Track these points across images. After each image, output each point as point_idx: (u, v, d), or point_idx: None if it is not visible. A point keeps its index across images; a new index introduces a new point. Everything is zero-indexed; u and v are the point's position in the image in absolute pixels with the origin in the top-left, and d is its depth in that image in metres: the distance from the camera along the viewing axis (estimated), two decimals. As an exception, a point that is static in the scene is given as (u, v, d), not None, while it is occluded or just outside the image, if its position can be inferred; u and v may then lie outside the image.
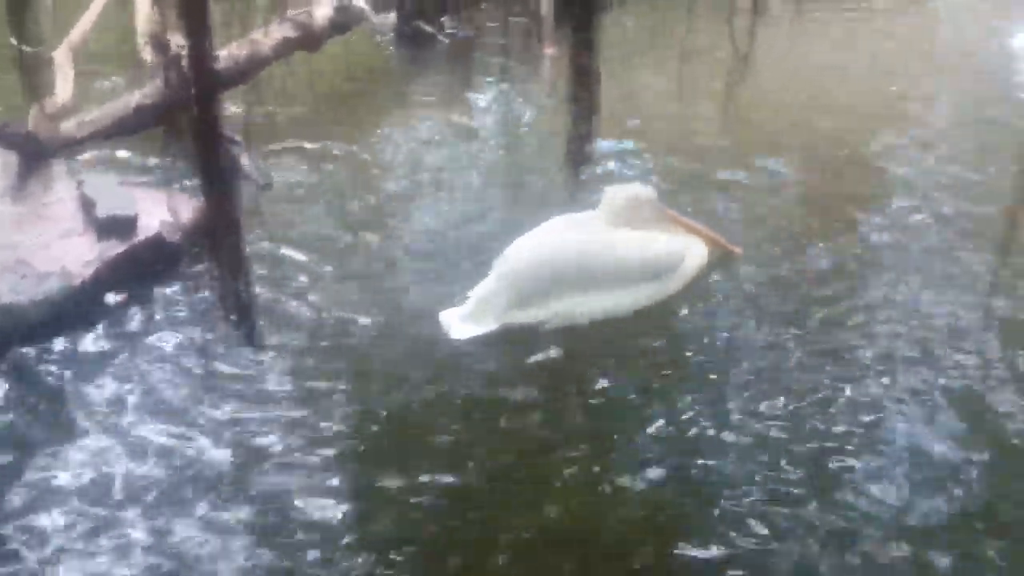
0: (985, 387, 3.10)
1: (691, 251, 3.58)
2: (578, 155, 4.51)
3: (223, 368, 3.18)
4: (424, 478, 2.73)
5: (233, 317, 2.75)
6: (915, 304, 3.54)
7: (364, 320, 3.47)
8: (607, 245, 3.46)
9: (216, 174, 2.36)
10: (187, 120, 2.40)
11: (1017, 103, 5.62)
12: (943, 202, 4.29)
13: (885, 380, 3.13)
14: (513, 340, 3.33)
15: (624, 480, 2.74)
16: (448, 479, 2.75)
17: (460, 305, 3.41)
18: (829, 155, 4.92)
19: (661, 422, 2.97)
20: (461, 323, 3.35)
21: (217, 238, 2.38)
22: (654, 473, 2.77)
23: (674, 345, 3.39)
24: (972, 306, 3.52)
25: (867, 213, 4.23)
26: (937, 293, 3.60)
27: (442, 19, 6.72)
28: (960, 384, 3.10)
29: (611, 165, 4.68)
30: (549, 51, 6.40)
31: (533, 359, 3.27)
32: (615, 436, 2.96)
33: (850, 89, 5.77)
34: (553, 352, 3.29)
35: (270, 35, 5.40)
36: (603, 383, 3.17)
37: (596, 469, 2.79)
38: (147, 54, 4.98)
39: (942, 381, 3.11)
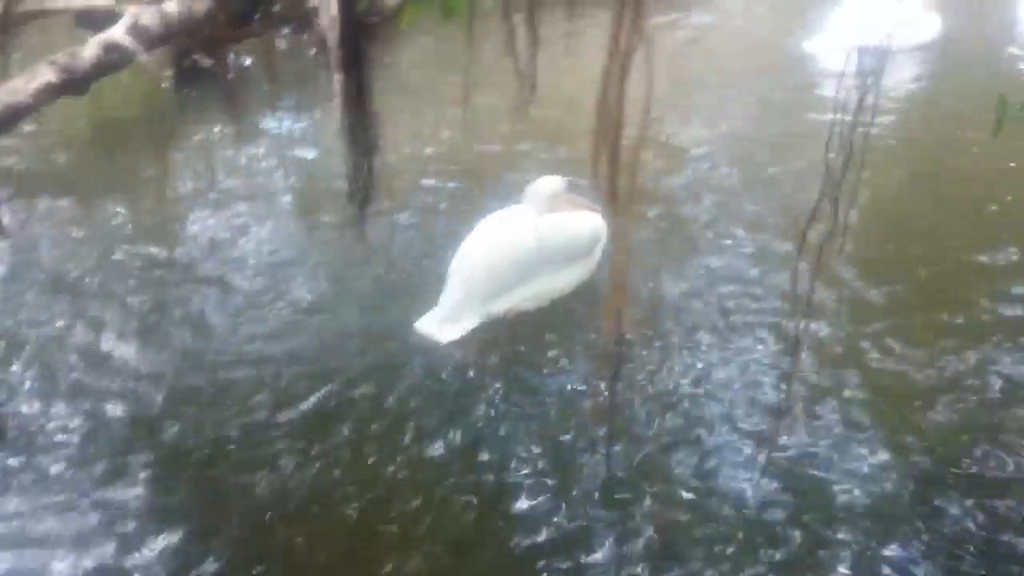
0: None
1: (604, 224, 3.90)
2: (361, 192, 4.51)
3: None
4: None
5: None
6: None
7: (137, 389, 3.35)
8: (556, 227, 3.72)
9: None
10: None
11: (803, 99, 6.01)
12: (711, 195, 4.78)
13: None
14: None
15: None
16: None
17: (430, 312, 3.52)
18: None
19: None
20: (442, 327, 3.46)
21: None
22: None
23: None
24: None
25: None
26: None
27: (222, 52, 6.48)
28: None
29: (398, 195, 4.73)
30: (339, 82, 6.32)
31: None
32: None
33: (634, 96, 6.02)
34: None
35: (30, 80, 5.09)
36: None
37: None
38: None
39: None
